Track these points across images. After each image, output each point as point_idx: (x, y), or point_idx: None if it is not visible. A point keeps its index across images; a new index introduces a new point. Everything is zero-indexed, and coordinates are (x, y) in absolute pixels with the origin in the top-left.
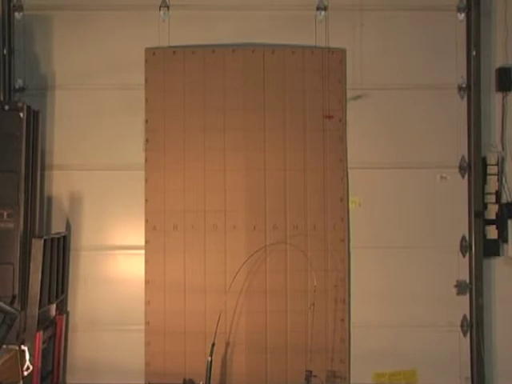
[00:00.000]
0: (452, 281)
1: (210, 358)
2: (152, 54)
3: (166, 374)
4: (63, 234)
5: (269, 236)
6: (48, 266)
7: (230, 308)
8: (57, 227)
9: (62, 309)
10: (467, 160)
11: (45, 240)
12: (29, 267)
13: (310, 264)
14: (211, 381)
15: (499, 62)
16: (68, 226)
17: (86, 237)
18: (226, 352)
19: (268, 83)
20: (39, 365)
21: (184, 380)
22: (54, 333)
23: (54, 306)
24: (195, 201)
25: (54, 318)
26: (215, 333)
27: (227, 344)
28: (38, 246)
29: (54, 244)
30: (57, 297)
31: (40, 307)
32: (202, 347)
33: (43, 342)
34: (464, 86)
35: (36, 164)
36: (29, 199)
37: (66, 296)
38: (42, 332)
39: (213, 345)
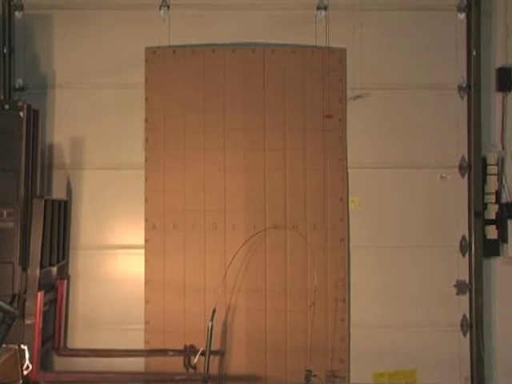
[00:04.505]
0: (452, 281)
1: (210, 323)
2: (152, 53)
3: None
4: (64, 200)
5: (269, 235)
6: (49, 229)
7: (229, 306)
8: None
9: (63, 274)
10: (467, 160)
11: (45, 201)
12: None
13: (311, 257)
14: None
15: (499, 61)
16: None
17: (85, 236)
18: (224, 351)
19: (268, 83)
20: (40, 326)
21: (185, 346)
22: (55, 297)
23: (54, 270)
24: (195, 200)
25: (55, 281)
26: (216, 302)
27: (226, 343)
28: (39, 206)
29: (54, 207)
30: (58, 261)
31: (41, 268)
32: (202, 346)
33: (44, 304)
34: (464, 85)
35: (36, 163)
36: (29, 198)
37: (67, 263)
38: (42, 292)
39: (214, 310)
